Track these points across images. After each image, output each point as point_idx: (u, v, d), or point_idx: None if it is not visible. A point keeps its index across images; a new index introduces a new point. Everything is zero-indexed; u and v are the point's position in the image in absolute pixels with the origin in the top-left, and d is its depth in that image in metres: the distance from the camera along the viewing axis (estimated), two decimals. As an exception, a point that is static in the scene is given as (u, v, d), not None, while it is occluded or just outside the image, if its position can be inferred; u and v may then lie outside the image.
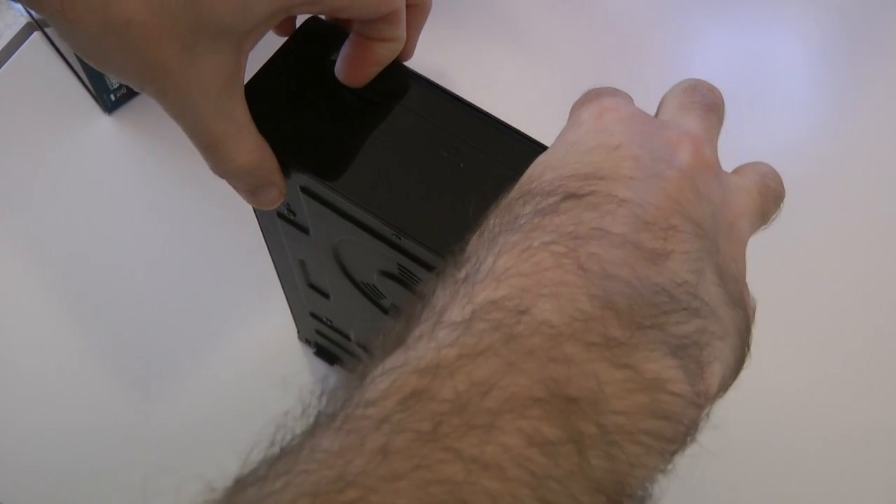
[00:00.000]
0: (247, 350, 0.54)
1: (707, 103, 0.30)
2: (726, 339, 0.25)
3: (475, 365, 0.21)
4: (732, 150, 0.61)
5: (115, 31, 0.27)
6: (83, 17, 0.27)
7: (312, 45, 0.34)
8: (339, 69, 0.33)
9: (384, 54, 0.33)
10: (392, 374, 0.21)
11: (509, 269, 0.23)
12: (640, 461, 0.21)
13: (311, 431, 0.22)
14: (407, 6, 0.33)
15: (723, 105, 0.30)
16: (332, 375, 0.23)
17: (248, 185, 0.33)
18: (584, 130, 0.27)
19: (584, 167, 0.26)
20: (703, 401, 0.23)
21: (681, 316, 0.23)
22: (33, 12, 0.56)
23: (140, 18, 0.27)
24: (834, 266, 0.57)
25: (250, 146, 0.31)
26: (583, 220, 0.24)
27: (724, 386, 0.25)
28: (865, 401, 0.53)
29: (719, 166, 0.28)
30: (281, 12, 0.30)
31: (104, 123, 0.61)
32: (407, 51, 0.35)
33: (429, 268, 0.32)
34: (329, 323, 0.48)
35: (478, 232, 0.26)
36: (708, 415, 0.24)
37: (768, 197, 0.30)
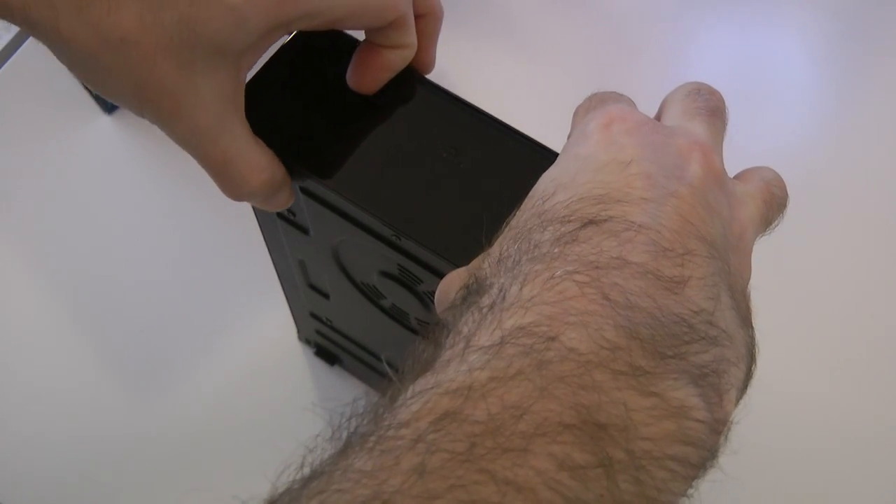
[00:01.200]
0: (247, 350, 0.54)
1: (711, 108, 0.30)
2: (740, 364, 0.25)
3: (507, 388, 0.21)
4: (732, 151, 0.61)
5: (110, 49, 0.27)
6: (77, 35, 0.27)
7: (312, 46, 0.34)
8: (350, 76, 0.33)
9: (395, 61, 0.33)
10: (424, 396, 0.22)
11: (535, 297, 0.23)
12: (667, 486, 0.22)
13: (344, 452, 0.22)
14: (417, 16, 0.33)
15: (725, 108, 0.30)
16: (362, 398, 0.23)
17: (262, 199, 0.33)
18: (594, 143, 0.27)
19: (596, 187, 0.26)
20: (721, 427, 0.24)
21: (700, 346, 0.23)
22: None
23: (134, 36, 0.27)
24: (835, 266, 0.57)
25: (261, 164, 0.31)
26: (603, 248, 0.24)
27: (737, 407, 0.26)
28: (868, 401, 0.53)
29: (726, 174, 0.28)
30: (279, 28, 0.29)
31: (104, 123, 0.61)
32: (425, 62, 0.35)
33: (429, 268, 0.32)
34: (329, 323, 0.48)
35: (496, 258, 0.26)
36: (726, 439, 0.24)
37: (772, 204, 0.30)
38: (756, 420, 0.52)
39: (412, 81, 0.34)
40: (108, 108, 0.61)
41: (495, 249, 0.27)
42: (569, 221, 0.25)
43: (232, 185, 0.31)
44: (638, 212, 0.25)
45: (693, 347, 0.23)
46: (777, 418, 0.52)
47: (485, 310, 0.24)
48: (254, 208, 0.39)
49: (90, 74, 0.28)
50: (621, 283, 0.23)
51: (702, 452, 0.23)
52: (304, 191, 0.34)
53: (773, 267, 0.58)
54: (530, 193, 0.28)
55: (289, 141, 0.32)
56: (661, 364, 0.22)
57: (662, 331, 0.23)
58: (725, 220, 0.27)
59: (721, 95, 0.31)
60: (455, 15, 0.67)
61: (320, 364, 0.54)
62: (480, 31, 0.65)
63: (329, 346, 0.52)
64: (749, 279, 0.28)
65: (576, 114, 0.31)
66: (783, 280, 0.56)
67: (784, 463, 0.51)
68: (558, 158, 0.29)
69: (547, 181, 0.27)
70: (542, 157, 0.31)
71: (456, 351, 0.23)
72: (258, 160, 0.31)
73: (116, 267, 0.57)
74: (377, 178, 0.32)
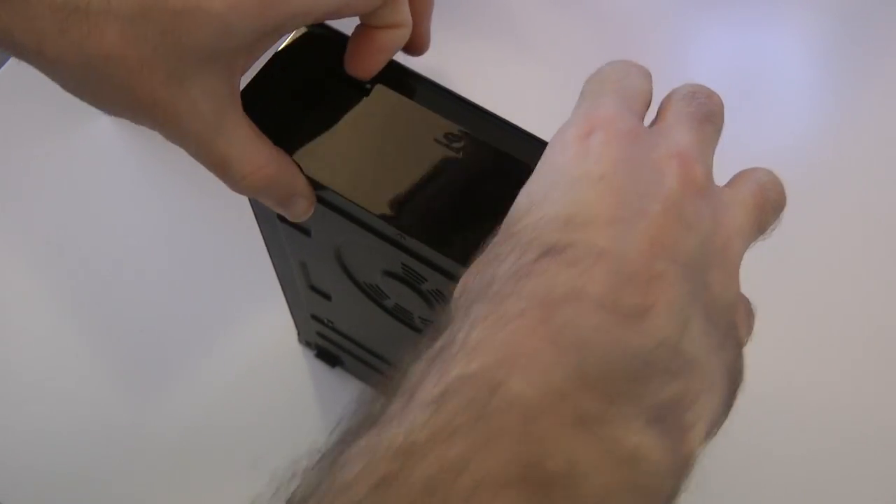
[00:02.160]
0: (247, 353, 0.54)
1: (703, 113, 0.28)
2: (713, 390, 0.24)
3: (446, 446, 0.20)
4: (732, 151, 0.61)
5: (96, 67, 0.27)
6: (63, 57, 0.27)
7: (308, 49, 0.34)
8: (348, 62, 0.33)
9: (391, 41, 0.32)
10: (365, 457, 0.21)
11: (482, 341, 0.22)
12: None
13: None
14: None
15: (721, 113, 0.29)
16: (303, 459, 0.23)
17: (272, 200, 0.32)
18: (570, 155, 0.26)
19: (565, 208, 0.25)
20: (684, 465, 0.23)
21: (659, 381, 0.22)
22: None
23: (119, 52, 0.27)
24: (835, 266, 0.57)
25: (259, 162, 0.31)
26: (558, 282, 0.23)
27: (712, 434, 0.25)
28: (870, 401, 0.53)
29: (711, 183, 0.27)
30: (269, 32, 0.29)
31: (104, 123, 0.61)
32: (419, 43, 0.34)
33: (433, 266, 0.32)
34: (330, 324, 0.48)
35: (460, 291, 0.25)
36: (691, 474, 0.23)
37: (766, 208, 0.29)
38: (756, 420, 0.52)
39: (412, 81, 0.34)
40: (109, 108, 0.61)
41: (464, 279, 0.26)
42: (529, 249, 0.24)
43: (235, 184, 0.31)
44: (603, 236, 0.24)
45: (650, 385, 0.22)
46: (776, 418, 0.52)
47: (433, 356, 0.23)
48: (254, 209, 0.39)
49: (81, 92, 0.29)
50: (574, 320, 0.22)
51: (657, 499, 0.22)
52: None
53: (772, 267, 0.58)
54: (511, 208, 0.27)
55: (288, 144, 0.32)
56: (613, 407, 0.21)
57: (615, 370, 0.22)
58: (706, 233, 0.25)
59: (718, 99, 0.30)
60: (455, 15, 0.67)
61: (321, 366, 0.54)
62: (480, 31, 0.65)
63: (330, 348, 0.52)
64: (737, 289, 0.27)
65: (583, 93, 0.30)
66: (782, 280, 0.56)
67: (784, 462, 0.51)
68: (539, 164, 0.28)
69: (524, 196, 0.27)
70: (539, 148, 0.31)
71: (400, 405, 0.22)
72: (257, 158, 0.31)
73: (116, 267, 0.57)
74: (378, 177, 0.31)
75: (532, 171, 0.28)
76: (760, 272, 0.57)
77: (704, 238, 0.25)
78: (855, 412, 0.52)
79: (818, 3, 0.67)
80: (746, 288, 0.48)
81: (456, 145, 0.32)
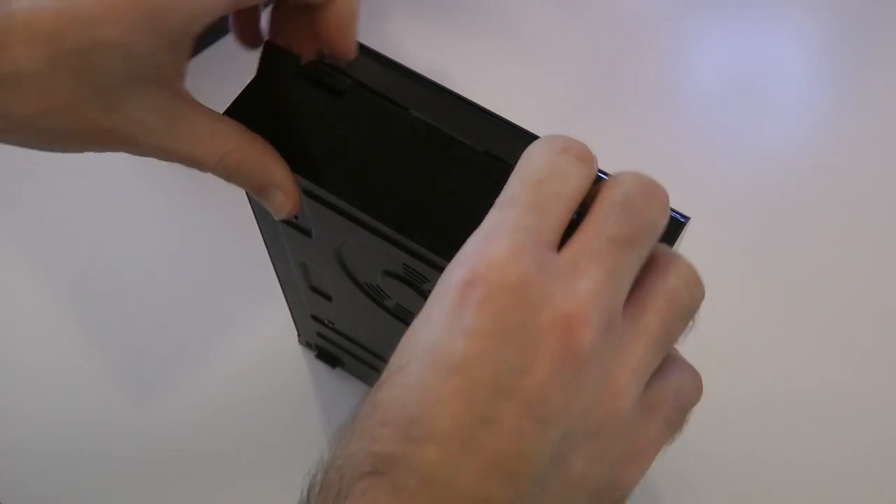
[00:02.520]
0: (247, 354, 0.54)
1: (628, 235, 0.25)
2: None
3: None
4: (732, 151, 0.61)
5: (35, 125, 0.28)
6: (2, 128, 0.28)
7: (282, 64, 0.34)
8: (326, 46, 0.32)
9: (338, 13, 0.31)
10: None
11: None
12: None
13: None
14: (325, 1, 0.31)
15: (660, 219, 0.26)
16: None
17: (247, 186, 0.32)
18: (447, 312, 0.24)
19: (412, 405, 0.23)
20: None
21: None
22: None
23: (47, 105, 0.27)
24: (835, 266, 0.57)
25: (223, 149, 0.31)
26: None
27: None
28: (871, 401, 0.53)
29: (602, 340, 0.24)
30: (178, 38, 0.29)
31: (104, 124, 0.61)
32: (341, 50, 0.32)
33: (435, 266, 0.32)
34: (331, 325, 0.47)
35: (334, 458, 0.24)
36: None
37: (674, 327, 0.26)
38: (756, 420, 0.52)
39: (404, 78, 0.34)
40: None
41: (336, 450, 0.25)
42: (362, 459, 0.23)
43: (198, 168, 0.32)
44: (435, 456, 0.22)
45: None
46: (776, 419, 0.52)
47: None
48: (254, 209, 0.39)
49: (41, 148, 0.30)
50: None
51: None
52: (307, 193, 0.33)
53: (772, 266, 0.58)
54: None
55: (286, 152, 0.32)
56: None
57: None
58: (576, 417, 0.23)
59: (659, 200, 0.26)
60: (455, 15, 0.67)
61: (321, 367, 0.54)
62: (480, 31, 0.65)
63: (330, 349, 0.52)
64: (615, 464, 0.24)
65: (498, 200, 0.26)
66: (782, 280, 0.56)
67: (787, 463, 0.51)
68: (426, 304, 0.25)
69: (398, 353, 0.25)
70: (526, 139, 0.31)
71: None
72: (223, 145, 0.31)
73: (116, 268, 0.57)
74: (378, 178, 0.31)
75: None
76: (760, 272, 0.57)
77: (569, 428, 0.23)
78: (856, 412, 0.52)
79: (818, 4, 0.67)
80: (746, 287, 0.48)
81: (452, 143, 0.32)
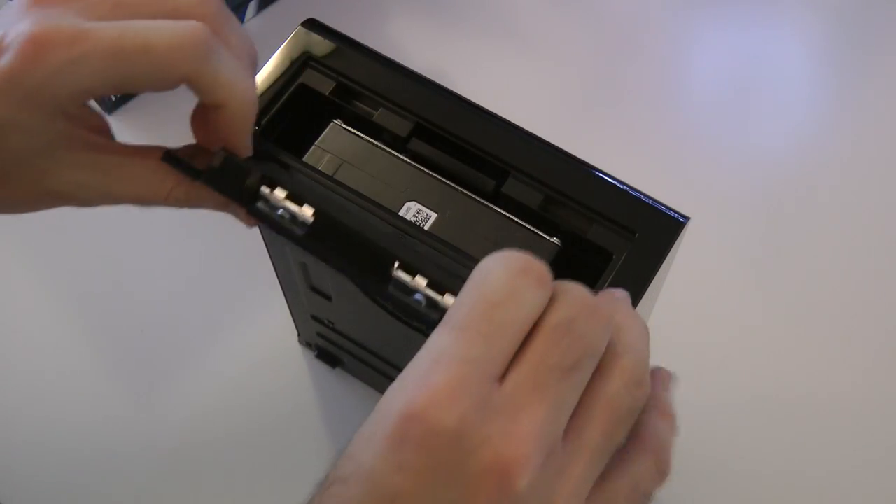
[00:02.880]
0: (247, 354, 0.54)
1: (571, 361, 0.25)
2: None
3: None
4: (732, 151, 0.61)
5: None
6: None
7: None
8: (223, 143, 0.32)
9: (221, 120, 0.31)
10: None
11: None
12: None
13: None
14: (213, 107, 0.31)
15: (601, 342, 0.25)
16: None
17: (209, 208, 0.33)
18: (386, 443, 0.24)
19: None
20: None
21: None
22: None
23: None
24: (834, 266, 0.57)
25: (168, 183, 0.32)
26: None
27: None
28: (872, 401, 0.53)
29: (541, 471, 0.24)
30: (73, 109, 0.29)
31: (104, 124, 0.61)
32: (237, 149, 0.32)
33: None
34: (331, 325, 0.47)
35: None
36: None
37: (616, 431, 0.26)
38: (756, 420, 0.52)
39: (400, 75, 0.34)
40: (108, 107, 0.61)
41: None
42: None
43: (163, 206, 0.33)
44: None
45: None
46: (776, 417, 0.52)
47: None
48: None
49: (5, 213, 0.31)
50: None
51: None
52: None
53: (772, 266, 0.58)
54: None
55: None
56: None
57: None
58: None
59: (603, 321, 0.26)
60: (454, 15, 0.67)
61: (321, 366, 0.54)
62: (480, 31, 0.65)
63: (330, 349, 0.52)
64: None
65: (446, 317, 0.25)
66: (782, 279, 0.56)
67: (785, 462, 0.51)
68: (370, 418, 0.25)
69: (343, 460, 0.25)
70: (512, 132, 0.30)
71: None
72: (162, 177, 0.32)
73: (116, 269, 0.57)
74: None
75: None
76: (760, 271, 0.57)
77: None
78: (856, 412, 0.52)
79: (817, 4, 0.67)
80: (746, 287, 0.48)
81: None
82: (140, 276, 0.56)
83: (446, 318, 0.25)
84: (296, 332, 0.53)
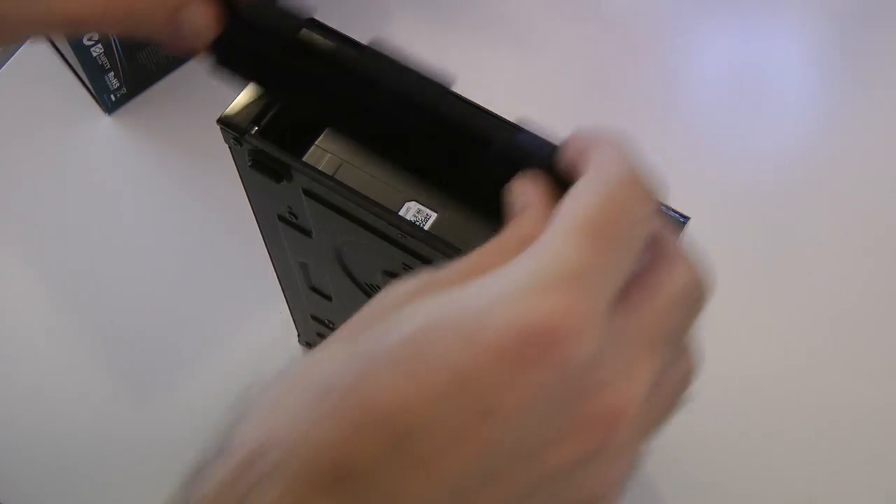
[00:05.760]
0: (247, 354, 0.54)
1: (679, 338, 0.23)
2: None
3: None
4: (732, 151, 0.61)
5: None
6: None
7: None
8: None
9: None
10: None
11: None
12: None
13: None
14: None
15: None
16: None
17: (155, 28, 0.29)
18: (490, 357, 0.20)
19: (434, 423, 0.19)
20: None
21: None
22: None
23: None
24: (833, 268, 0.57)
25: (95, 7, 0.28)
26: None
27: None
28: (872, 400, 0.53)
29: (636, 425, 0.22)
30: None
31: (104, 123, 0.61)
32: None
33: (434, 265, 0.32)
34: (331, 325, 0.47)
35: None
36: None
37: (678, 350, 0.24)
38: (755, 419, 0.52)
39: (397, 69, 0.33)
40: (108, 108, 0.61)
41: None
42: (314, 470, 0.20)
43: (101, 29, 0.30)
44: (420, 493, 0.19)
45: None
46: (776, 416, 0.52)
47: None
48: (253, 210, 0.39)
49: None
50: None
51: None
52: (307, 192, 0.33)
53: (772, 266, 0.58)
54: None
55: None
56: None
57: None
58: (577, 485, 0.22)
59: (700, 310, 0.24)
60: (455, 15, 0.67)
61: (321, 366, 0.54)
62: (481, 32, 0.65)
63: (330, 349, 0.52)
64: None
65: (574, 225, 0.21)
66: (782, 279, 0.56)
67: (781, 457, 0.51)
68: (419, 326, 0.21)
69: (429, 330, 0.20)
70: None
71: None
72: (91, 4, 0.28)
73: (116, 268, 0.57)
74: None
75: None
76: (760, 272, 0.57)
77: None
78: (855, 410, 0.52)
79: (818, 5, 0.67)
80: (746, 287, 0.48)
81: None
82: (140, 277, 0.56)
83: (564, 213, 0.22)
84: (296, 332, 0.53)
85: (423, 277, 0.22)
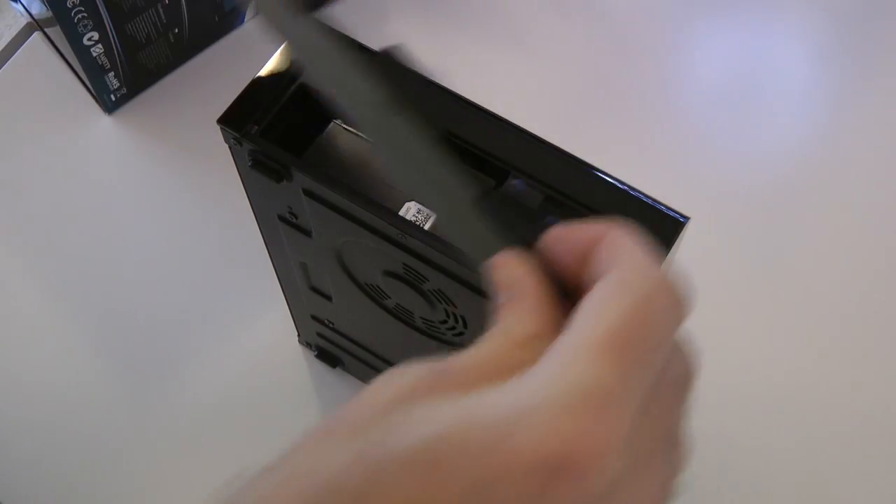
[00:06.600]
0: (247, 354, 0.54)
1: (680, 443, 0.23)
2: None
3: None
4: (732, 151, 0.61)
5: None
6: None
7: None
8: None
9: None
10: None
11: None
12: None
13: None
14: None
15: None
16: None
17: None
18: (516, 488, 0.19)
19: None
20: None
21: None
22: (33, 12, 0.56)
23: None
24: (834, 266, 0.57)
25: None
26: None
27: None
28: (872, 400, 0.53)
29: None
30: None
31: (104, 123, 0.61)
32: None
33: (434, 266, 0.32)
34: (331, 325, 0.47)
35: None
36: None
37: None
38: (756, 418, 0.52)
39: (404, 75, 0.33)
40: (108, 108, 0.61)
41: None
42: None
43: None
44: None
45: None
46: (775, 415, 0.52)
47: None
48: (253, 209, 0.39)
49: None
50: None
51: None
52: (307, 193, 0.33)
53: (771, 265, 0.58)
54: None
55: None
56: None
57: None
58: None
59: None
60: (455, 16, 0.67)
61: (321, 366, 0.54)
62: (480, 32, 0.65)
63: (330, 349, 0.52)
64: None
65: (614, 338, 0.20)
66: (781, 278, 0.56)
67: (779, 456, 0.51)
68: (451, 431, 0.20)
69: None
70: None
71: None
72: None
73: (116, 268, 0.57)
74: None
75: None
76: (760, 271, 0.57)
77: None
78: (854, 409, 0.52)
79: (817, 5, 0.67)
80: (746, 286, 0.48)
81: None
82: (140, 277, 0.56)
83: (587, 324, 0.20)
84: (296, 332, 0.53)
85: (425, 371, 0.21)
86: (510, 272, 0.23)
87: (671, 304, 0.21)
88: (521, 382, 0.20)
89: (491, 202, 0.25)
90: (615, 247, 0.22)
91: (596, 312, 0.20)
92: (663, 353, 0.21)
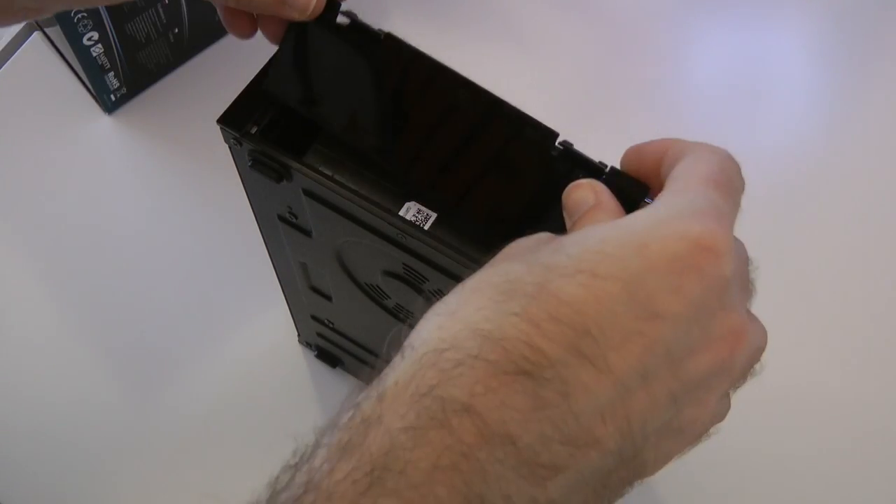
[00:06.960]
0: (247, 354, 0.54)
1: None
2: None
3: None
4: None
5: None
6: None
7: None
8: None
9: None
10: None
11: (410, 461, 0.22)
12: None
13: None
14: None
15: None
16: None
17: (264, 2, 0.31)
18: (669, 256, 0.24)
19: (586, 318, 0.23)
20: None
21: None
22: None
23: None
24: (834, 262, 0.57)
25: None
26: (504, 416, 0.22)
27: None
28: (871, 400, 0.53)
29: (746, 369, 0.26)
30: None
31: (104, 123, 0.61)
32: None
33: (434, 266, 0.32)
34: (331, 325, 0.47)
35: (390, 390, 0.24)
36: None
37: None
38: (755, 417, 0.52)
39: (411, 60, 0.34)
40: (108, 108, 0.61)
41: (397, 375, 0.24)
42: (490, 348, 0.22)
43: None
44: (585, 382, 0.22)
45: None
46: (775, 414, 0.52)
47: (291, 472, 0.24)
48: (254, 209, 0.39)
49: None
50: (487, 469, 0.22)
51: None
52: (307, 193, 0.33)
53: (771, 264, 0.58)
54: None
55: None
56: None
57: None
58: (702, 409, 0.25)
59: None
60: (454, 14, 0.67)
61: (321, 366, 0.54)
62: (480, 31, 0.65)
63: (330, 349, 0.52)
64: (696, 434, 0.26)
65: (690, 172, 0.26)
66: (782, 278, 0.56)
67: (781, 457, 0.51)
68: (657, 202, 0.25)
69: (597, 235, 0.24)
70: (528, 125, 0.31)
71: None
72: None
73: (116, 268, 0.57)
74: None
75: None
76: (760, 271, 0.57)
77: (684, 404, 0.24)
78: (854, 408, 0.52)
79: (818, 4, 0.67)
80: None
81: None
82: (140, 277, 0.56)
83: (688, 170, 0.26)
84: (296, 332, 0.53)
85: (546, 235, 0.26)
86: (585, 192, 0.28)
87: (737, 167, 0.28)
88: (649, 208, 0.25)
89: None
90: (684, 145, 0.28)
91: (695, 163, 0.26)
92: (740, 200, 0.27)
